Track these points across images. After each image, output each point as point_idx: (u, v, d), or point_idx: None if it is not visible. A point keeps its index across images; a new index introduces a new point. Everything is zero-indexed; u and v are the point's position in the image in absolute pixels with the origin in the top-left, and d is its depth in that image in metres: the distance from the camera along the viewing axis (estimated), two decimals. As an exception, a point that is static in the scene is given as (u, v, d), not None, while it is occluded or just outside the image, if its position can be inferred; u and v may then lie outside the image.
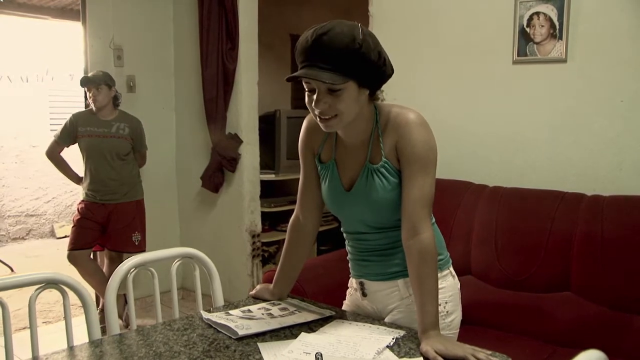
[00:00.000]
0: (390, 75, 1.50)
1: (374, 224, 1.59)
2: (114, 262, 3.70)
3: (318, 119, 1.48)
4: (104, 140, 3.56)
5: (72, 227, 3.65)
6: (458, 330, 1.66)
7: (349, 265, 1.74)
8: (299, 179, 1.73)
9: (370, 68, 1.42)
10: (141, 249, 3.71)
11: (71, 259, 3.60)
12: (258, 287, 1.84)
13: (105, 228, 3.64)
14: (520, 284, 2.50)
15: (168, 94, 4.40)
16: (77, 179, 3.74)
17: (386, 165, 1.51)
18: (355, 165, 1.57)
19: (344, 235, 1.72)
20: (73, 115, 3.67)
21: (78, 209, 3.67)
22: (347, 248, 1.72)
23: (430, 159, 1.49)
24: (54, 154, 3.72)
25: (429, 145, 1.48)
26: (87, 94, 3.59)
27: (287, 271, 1.77)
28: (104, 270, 3.77)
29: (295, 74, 1.42)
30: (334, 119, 1.45)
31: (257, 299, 1.79)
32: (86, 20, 3.92)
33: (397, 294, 1.62)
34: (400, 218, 1.51)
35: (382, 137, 1.52)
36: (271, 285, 1.80)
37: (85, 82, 3.56)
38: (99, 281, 3.61)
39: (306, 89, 1.45)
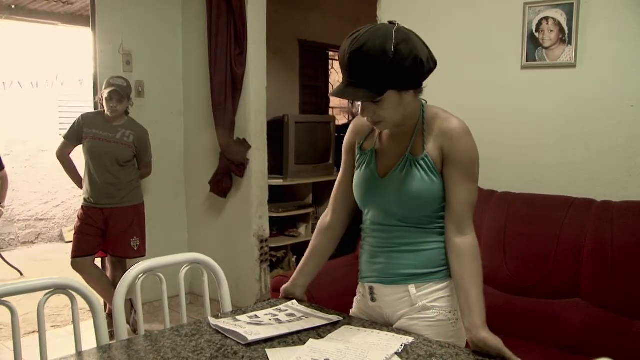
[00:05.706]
0: (432, 69, 1.55)
1: (399, 215, 1.60)
2: (116, 268, 3.71)
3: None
4: (106, 144, 3.54)
5: (74, 234, 3.64)
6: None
7: (359, 268, 1.74)
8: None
9: (406, 75, 1.46)
10: (141, 254, 3.69)
11: (75, 266, 3.59)
12: (282, 288, 1.85)
13: (105, 233, 3.63)
14: (529, 290, 2.49)
15: (176, 99, 4.41)
16: (81, 183, 3.72)
17: (426, 159, 1.56)
18: (395, 154, 1.61)
19: (363, 230, 1.72)
20: (82, 115, 3.67)
21: (78, 215, 3.66)
22: (362, 245, 1.73)
23: (477, 167, 1.58)
24: (63, 154, 3.72)
25: (476, 152, 1.58)
26: (107, 100, 3.51)
27: (314, 260, 1.82)
28: (109, 276, 3.77)
29: (334, 92, 1.51)
30: (381, 123, 1.54)
31: (287, 298, 1.81)
32: (96, 26, 3.95)
33: (407, 300, 1.61)
34: (426, 216, 1.58)
35: (426, 133, 1.58)
36: (289, 283, 1.83)
37: (113, 92, 3.48)
38: (105, 287, 3.60)
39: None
